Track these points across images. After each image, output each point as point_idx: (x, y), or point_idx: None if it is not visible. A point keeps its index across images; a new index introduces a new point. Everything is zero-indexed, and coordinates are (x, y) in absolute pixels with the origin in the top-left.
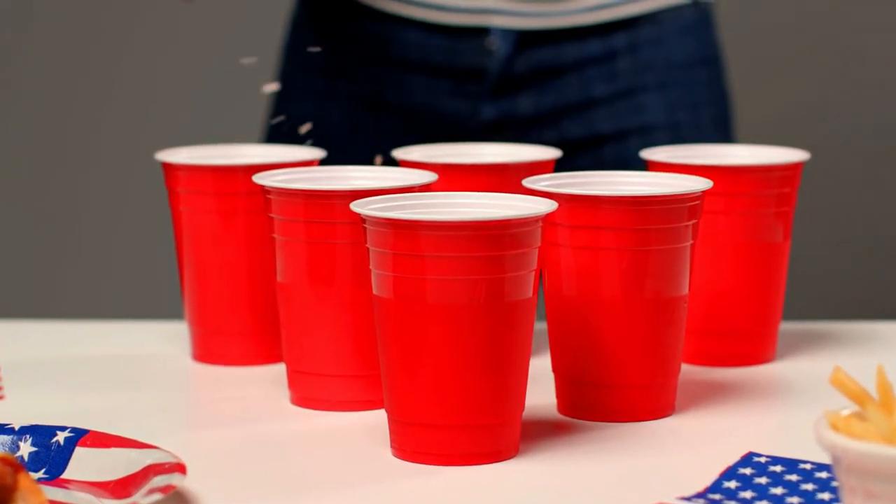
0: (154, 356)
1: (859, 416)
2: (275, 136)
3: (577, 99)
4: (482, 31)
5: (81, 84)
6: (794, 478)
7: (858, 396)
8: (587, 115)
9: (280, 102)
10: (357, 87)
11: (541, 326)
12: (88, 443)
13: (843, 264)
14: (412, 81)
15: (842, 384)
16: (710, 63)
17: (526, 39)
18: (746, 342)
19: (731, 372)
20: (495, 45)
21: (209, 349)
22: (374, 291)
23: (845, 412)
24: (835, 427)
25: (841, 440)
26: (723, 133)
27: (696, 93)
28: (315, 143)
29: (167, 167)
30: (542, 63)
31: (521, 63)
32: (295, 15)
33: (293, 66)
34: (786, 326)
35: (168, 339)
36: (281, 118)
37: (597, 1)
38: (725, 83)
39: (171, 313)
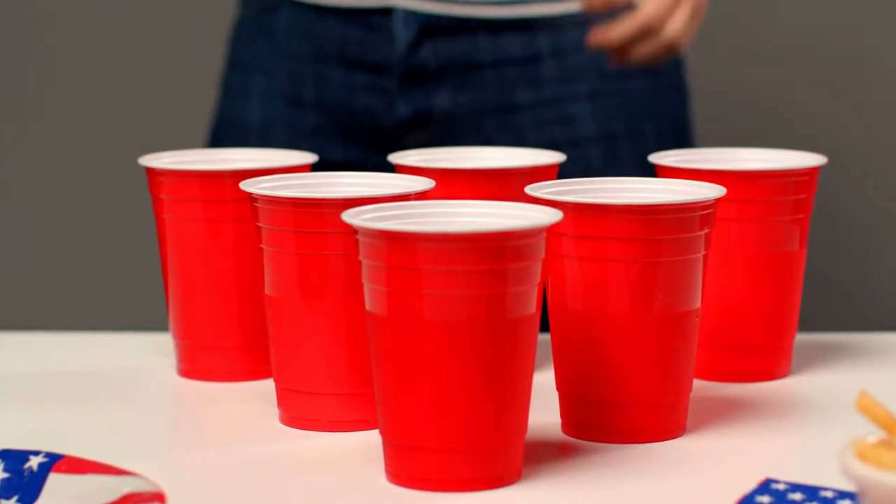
0: (137, 371)
1: (887, 444)
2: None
3: (497, 101)
4: (389, 18)
5: (62, 85)
6: None
7: (887, 423)
8: (511, 122)
9: (220, 103)
10: (274, 83)
11: (543, 338)
12: (63, 468)
13: (861, 273)
14: (329, 77)
15: (868, 410)
16: (654, 73)
17: (433, 27)
18: (761, 356)
19: (744, 388)
20: (397, 29)
21: (195, 364)
22: (368, 307)
23: (871, 438)
24: (862, 456)
25: (869, 472)
26: (671, 146)
27: (635, 103)
28: (232, 144)
29: (151, 172)
30: (454, 56)
31: (430, 54)
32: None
33: (226, 66)
34: (802, 339)
35: (153, 352)
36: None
37: None
38: (680, 94)
39: (157, 325)
